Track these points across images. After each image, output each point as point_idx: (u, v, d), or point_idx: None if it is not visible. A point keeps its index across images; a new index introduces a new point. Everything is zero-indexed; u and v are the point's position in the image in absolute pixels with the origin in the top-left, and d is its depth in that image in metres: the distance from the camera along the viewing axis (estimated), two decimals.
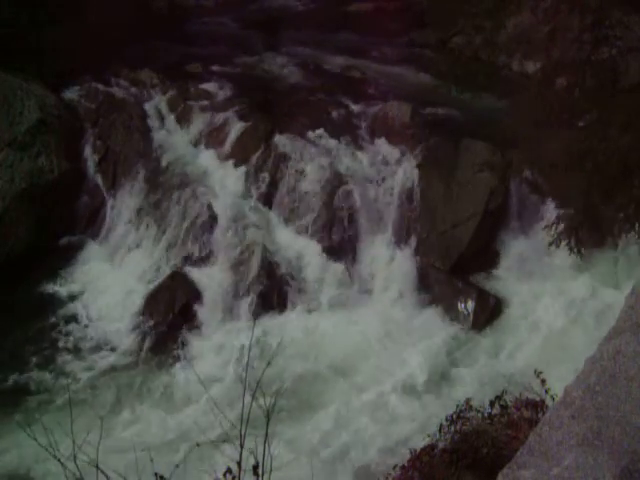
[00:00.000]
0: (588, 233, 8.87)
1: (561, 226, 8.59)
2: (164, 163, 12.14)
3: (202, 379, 7.68)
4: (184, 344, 10.37)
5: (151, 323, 10.62)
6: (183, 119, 12.76)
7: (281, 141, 11.88)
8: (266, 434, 3.81)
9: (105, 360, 10.13)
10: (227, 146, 12.16)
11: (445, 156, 11.52)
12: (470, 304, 10.62)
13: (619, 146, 7.02)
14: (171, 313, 10.70)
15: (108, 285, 11.28)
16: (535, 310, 10.52)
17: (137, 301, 10.90)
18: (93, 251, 11.88)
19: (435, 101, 12.81)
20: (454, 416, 5.83)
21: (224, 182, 11.78)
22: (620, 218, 8.18)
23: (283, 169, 11.68)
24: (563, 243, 8.55)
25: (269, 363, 4.90)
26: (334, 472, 8.32)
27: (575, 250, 8.57)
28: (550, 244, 8.90)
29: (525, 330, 10.35)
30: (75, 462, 3.93)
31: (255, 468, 3.86)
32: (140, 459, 4.83)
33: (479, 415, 5.76)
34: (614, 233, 9.40)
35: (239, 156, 12.00)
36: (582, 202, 8.14)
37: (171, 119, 12.81)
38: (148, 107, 13.00)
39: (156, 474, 4.11)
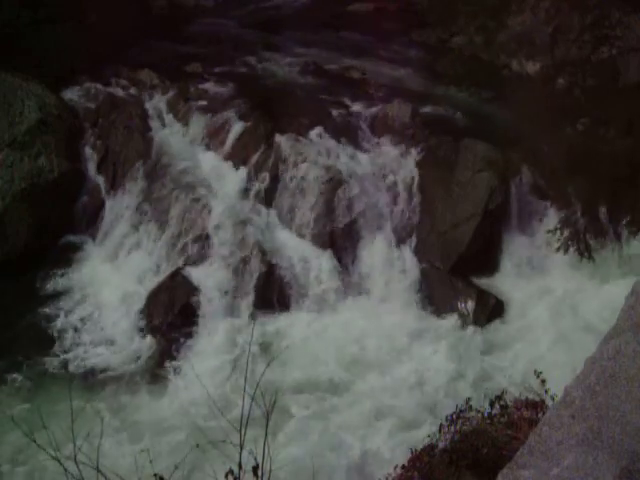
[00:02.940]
0: (593, 236, 8.86)
1: (566, 232, 8.58)
2: (164, 163, 12.14)
3: (201, 379, 7.66)
4: (184, 344, 10.36)
5: (151, 323, 10.62)
6: (183, 119, 12.76)
7: (281, 141, 11.87)
8: (265, 435, 3.80)
9: (105, 360, 10.12)
10: (227, 146, 12.16)
11: (445, 156, 11.52)
12: (470, 304, 10.62)
13: (623, 148, 7.02)
14: (171, 313, 10.70)
15: (108, 285, 11.27)
16: (535, 310, 10.52)
17: (137, 301, 10.90)
18: (93, 251, 11.87)
19: (435, 101, 12.81)
20: (454, 416, 5.83)
21: (224, 182, 11.77)
22: (625, 220, 8.19)
23: (283, 169, 11.67)
24: (572, 249, 8.55)
25: (269, 364, 4.90)
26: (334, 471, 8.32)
27: (585, 255, 8.58)
28: (557, 249, 8.86)
29: (525, 330, 10.34)
30: (76, 462, 3.92)
31: (255, 469, 3.84)
32: (139, 459, 4.83)
33: (479, 415, 5.76)
34: (619, 236, 9.40)
35: (239, 156, 12.00)
36: (586, 206, 8.14)
37: (171, 119, 12.81)
38: (148, 107, 13.00)
39: (155, 475, 4.10)
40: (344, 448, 8.68)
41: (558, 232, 8.75)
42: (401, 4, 16.72)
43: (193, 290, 10.85)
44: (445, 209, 11.18)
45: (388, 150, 11.79)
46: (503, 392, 5.81)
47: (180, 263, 11.21)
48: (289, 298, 10.91)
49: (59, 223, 11.97)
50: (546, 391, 5.51)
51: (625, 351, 3.21)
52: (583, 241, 8.43)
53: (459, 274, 10.96)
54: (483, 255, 11.14)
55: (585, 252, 8.53)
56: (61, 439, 4.40)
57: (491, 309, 10.63)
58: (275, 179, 11.69)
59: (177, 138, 12.55)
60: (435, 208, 11.24)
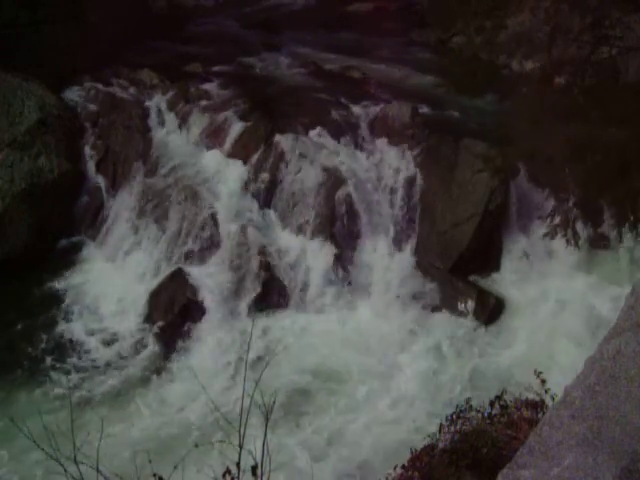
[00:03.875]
0: (584, 226, 8.87)
1: (557, 219, 8.60)
2: (164, 163, 12.15)
3: (201, 379, 7.66)
4: (184, 344, 10.36)
5: (151, 323, 10.61)
6: (183, 119, 12.76)
7: (281, 141, 11.87)
8: (265, 435, 3.79)
9: (105, 360, 10.12)
10: (227, 146, 12.15)
11: (445, 156, 11.51)
12: (470, 304, 10.61)
13: (618, 140, 7.03)
14: (171, 313, 10.69)
15: (108, 285, 11.27)
16: (535, 310, 10.51)
17: (137, 301, 10.89)
18: (93, 251, 11.88)
19: (435, 101, 12.81)
20: (454, 416, 5.83)
21: (224, 182, 11.77)
22: (616, 211, 8.21)
23: (283, 169, 11.67)
24: (559, 235, 8.56)
25: (268, 363, 4.90)
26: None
27: (572, 242, 8.58)
28: (545, 235, 8.91)
29: (525, 330, 10.34)
30: (75, 463, 3.92)
31: (254, 469, 3.84)
32: (139, 460, 4.82)
33: (479, 415, 5.75)
34: (610, 226, 9.42)
35: (239, 156, 12.00)
36: (579, 195, 8.15)
37: (171, 119, 12.81)
38: (148, 107, 13.01)
39: (155, 475, 4.10)
40: (344, 445, 8.69)
41: (548, 219, 8.78)
42: (401, 4, 16.76)
43: (193, 290, 10.85)
44: (445, 209, 11.18)
45: (388, 150, 11.78)
46: (503, 392, 5.81)
47: (180, 263, 11.21)
48: (288, 298, 10.92)
49: (59, 223, 11.98)
50: (546, 391, 5.51)
51: (625, 351, 3.21)
52: (571, 229, 8.43)
53: (459, 274, 10.96)
54: (483, 255, 11.14)
55: (572, 239, 8.52)
56: (61, 440, 4.40)
57: (491, 309, 10.62)
58: (275, 179, 11.69)
59: (177, 138, 12.55)
60: (435, 208, 11.24)
